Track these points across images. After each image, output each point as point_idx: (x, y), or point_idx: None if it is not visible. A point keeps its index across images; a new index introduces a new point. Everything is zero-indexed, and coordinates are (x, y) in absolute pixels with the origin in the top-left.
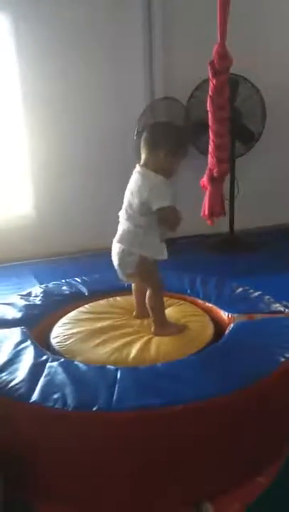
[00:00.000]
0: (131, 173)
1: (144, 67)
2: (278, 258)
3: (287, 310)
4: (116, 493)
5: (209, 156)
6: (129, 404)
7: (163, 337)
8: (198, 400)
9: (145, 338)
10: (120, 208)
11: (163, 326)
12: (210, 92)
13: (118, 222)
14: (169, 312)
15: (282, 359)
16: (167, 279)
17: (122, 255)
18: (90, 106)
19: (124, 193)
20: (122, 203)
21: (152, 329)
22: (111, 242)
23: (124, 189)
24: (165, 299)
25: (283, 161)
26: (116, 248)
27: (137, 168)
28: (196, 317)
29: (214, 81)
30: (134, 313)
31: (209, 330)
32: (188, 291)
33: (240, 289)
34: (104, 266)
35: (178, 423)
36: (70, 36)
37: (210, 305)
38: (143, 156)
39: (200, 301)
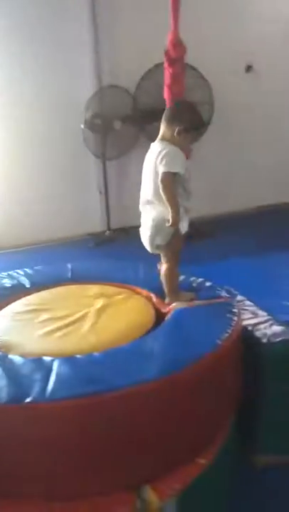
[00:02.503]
0: (80, 163)
1: (89, 58)
2: (228, 244)
3: (227, 295)
4: (54, 483)
5: None
6: (63, 394)
7: (103, 326)
8: (133, 386)
9: (85, 328)
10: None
11: (175, 295)
12: (167, 81)
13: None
14: (111, 302)
15: (219, 342)
16: (109, 270)
17: (158, 226)
18: (36, 97)
19: (73, 183)
20: (72, 192)
21: (166, 299)
22: (58, 234)
23: (73, 180)
24: (107, 288)
25: (232, 148)
26: (149, 221)
27: (153, 144)
28: (138, 305)
29: (170, 70)
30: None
31: (149, 318)
32: (131, 280)
33: (183, 277)
34: (50, 258)
35: (112, 410)
36: (15, 26)
37: (150, 293)
38: (161, 131)
39: (142, 290)
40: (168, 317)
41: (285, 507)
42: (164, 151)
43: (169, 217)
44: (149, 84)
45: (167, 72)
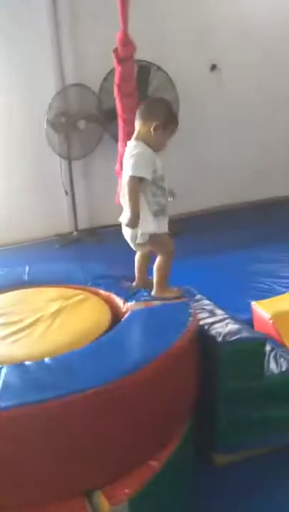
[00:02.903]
0: (46, 163)
1: (52, 57)
2: (195, 243)
3: (183, 295)
4: (2, 493)
5: (119, 144)
6: (9, 403)
7: (56, 330)
8: (82, 392)
9: (38, 333)
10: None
11: (162, 289)
12: (116, 80)
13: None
14: (67, 305)
15: (171, 343)
16: (68, 271)
17: (131, 232)
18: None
19: (40, 183)
20: (39, 193)
21: (152, 291)
22: (26, 235)
23: (40, 180)
24: (63, 291)
25: (196, 149)
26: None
27: (129, 142)
28: (94, 307)
29: (120, 68)
30: (134, 283)
31: (104, 321)
32: (90, 282)
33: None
34: (16, 260)
35: (61, 417)
36: None
37: (110, 294)
38: (136, 129)
39: (101, 291)
40: (123, 319)
41: (246, 504)
42: (134, 152)
43: (127, 218)
44: (111, 85)
45: (116, 71)
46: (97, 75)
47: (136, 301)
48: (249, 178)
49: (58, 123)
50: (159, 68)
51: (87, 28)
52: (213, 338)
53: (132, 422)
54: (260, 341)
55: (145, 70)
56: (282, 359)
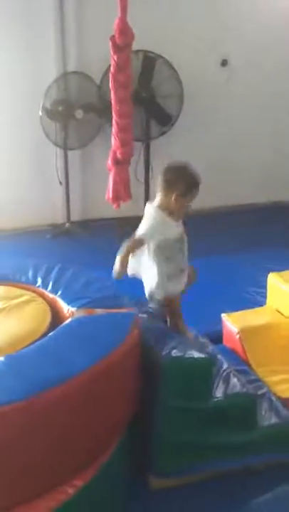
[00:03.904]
0: (42, 152)
1: (55, 43)
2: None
3: (130, 305)
4: None
5: (112, 138)
6: None
7: None
8: None
9: None
10: None
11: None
12: (112, 70)
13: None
14: (7, 306)
15: (100, 357)
16: (19, 269)
17: (146, 290)
18: None
19: (35, 172)
20: (34, 182)
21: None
22: (20, 223)
23: (33, 166)
24: (8, 290)
25: (199, 144)
26: (148, 280)
27: (149, 204)
28: (35, 311)
29: (116, 57)
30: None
31: (42, 325)
32: (39, 282)
33: (95, 281)
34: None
35: None
36: None
37: (55, 297)
38: (157, 197)
39: (47, 294)
40: (60, 326)
41: None
42: (146, 216)
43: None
44: None
45: (112, 60)
46: (101, 64)
47: (78, 307)
48: (256, 179)
49: (55, 111)
50: (165, 61)
51: (93, 14)
52: (157, 351)
53: (44, 443)
54: (208, 359)
55: (151, 61)
56: (235, 379)
